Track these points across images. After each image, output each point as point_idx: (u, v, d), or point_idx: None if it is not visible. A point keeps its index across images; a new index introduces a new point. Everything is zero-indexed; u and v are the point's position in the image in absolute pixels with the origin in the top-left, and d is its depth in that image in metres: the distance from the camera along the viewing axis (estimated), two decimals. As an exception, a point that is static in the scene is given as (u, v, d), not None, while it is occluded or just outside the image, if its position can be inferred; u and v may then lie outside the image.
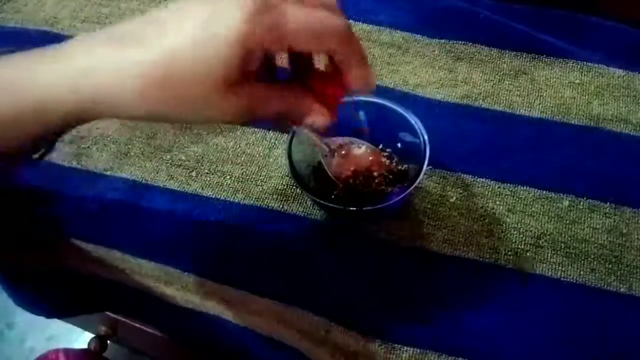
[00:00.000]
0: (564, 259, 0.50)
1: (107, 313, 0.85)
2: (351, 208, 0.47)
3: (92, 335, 0.95)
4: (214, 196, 0.55)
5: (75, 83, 0.34)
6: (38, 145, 0.41)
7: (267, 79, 0.38)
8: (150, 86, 0.33)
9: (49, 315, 0.73)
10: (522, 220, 0.52)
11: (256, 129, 0.59)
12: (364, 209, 0.47)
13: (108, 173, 0.57)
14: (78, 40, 0.36)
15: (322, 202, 0.49)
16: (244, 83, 0.35)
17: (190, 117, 0.36)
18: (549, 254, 0.50)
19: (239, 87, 0.34)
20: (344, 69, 0.37)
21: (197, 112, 0.35)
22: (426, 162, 0.48)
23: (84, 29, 0.69)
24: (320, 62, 0.39)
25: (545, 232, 0.52)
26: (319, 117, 0.38)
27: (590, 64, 0.62)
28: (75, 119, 0.36)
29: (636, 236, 0.51)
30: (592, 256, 0.50)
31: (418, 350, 0.47)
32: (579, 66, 0.62)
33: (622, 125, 0.58)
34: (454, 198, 0.54)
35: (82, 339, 1.33)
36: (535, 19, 0.66)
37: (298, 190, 0.54)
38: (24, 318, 1.35)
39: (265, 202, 0.54)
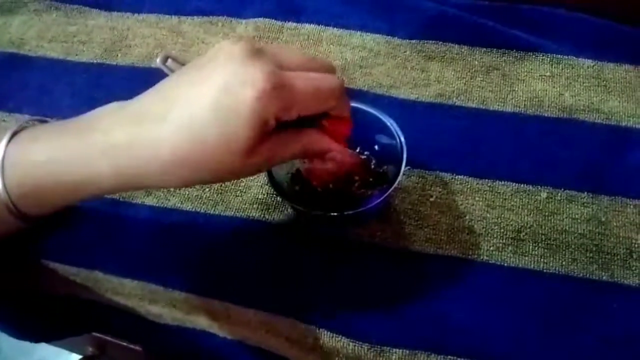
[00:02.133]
0: (546, 250, 0.51)
1: (94, 334, 0.83)
2: (332, 213, 0.47)
3: (80, 357, 0.93)
4: (193, 210, 0.55)
5: (110, 159, 0.37)
6: None
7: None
8: (174, 163, 0.36)
9: (35, 340, 0.72)
10: (502, 215, 0.53)
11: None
12: (345, 213, 0.47)
13: (85, 193, 0.56)
14: (110, 111, 0.39)
15: (302, 208, 0.49)
16: (264, 140, 0.37)
17: (218, 180, 0.44)
18: (531, 247, 0.51)
19: (258, 147, 0.37)
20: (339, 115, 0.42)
21: (223, 177, 0.40)
22: (404, 163, 0.49)
23: (51, 48, 0.68)
24: None
25: (525, 225, 0.52)
26: (337, 151, 0.44)
27: (559, 56, 0.63)
28: (107, 193, 0.40)
29: (615, 224, 0.52)
30: (573, 246, 0.51)
31: (407, 351, 0.47)
32: (549, 59, 0.63)
33: (594, 115, 0.58)
34: (434, 197, 0.54)
35: (70, 360, 1.31)
36: (504, 15, 0.67)
37: (278, 198, 0.54)
38: (9, 342, 1.33)
39: (246, 213, 0.54)
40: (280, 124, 0.38)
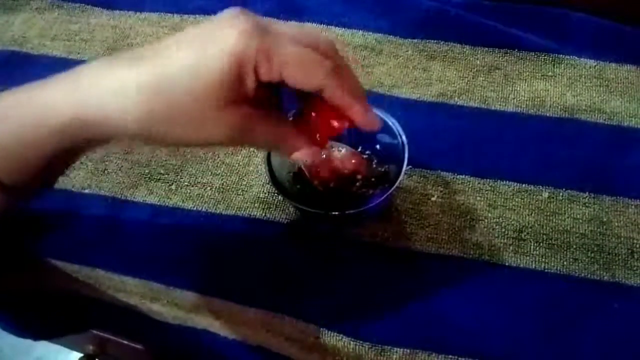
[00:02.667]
0: (547, 250, 0.51)
1: (95, 332, 0.83)
2: (333, 212, 0.47)
3: (80, 355, 0.93)
4: (195, 208, 0.55)
5: (74, 97, 0.35)
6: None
7: (271, 108, 0.39)
8: (145, 103, 0.34)
9: (35, 338, 0.72)
10: (503, 215, 0.53)
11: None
12: (347, 212, 0.47)
13: (86, 191, 0.56)
14: (88, 63, 0.37)
15: (304, 208, 0.49)
16: (240, 104, 0.35)
17: (186, 135, 0.36)
18: (532, 247, 0.51)
19: (234, 107, 0.35)
20: (338, 105, 0.38)
21: (192, 129, 0.36)
22: (405, 163, 0.49)
23: (53, 47, 0.68)
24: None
25: (526, 225, 0.52)
26: (303, 155, 0.40)
27: (561, 56, 0.63)
28: (71, 138, 0.37)
29: (616, 224, 0.52)
30: (574, 246, 0.51)
31: (408, 351, 0.47)
32: (550, 59, 0.63)
33: (596, 115, 0.58)
34: (435, 196, 0.54)
35: (70, 358, 1.31)
36: (506, 14, 0.67)
37: (279, 197, 0.54)
38: (9, 341, 1.33)
39: (247, 212, 0.54)
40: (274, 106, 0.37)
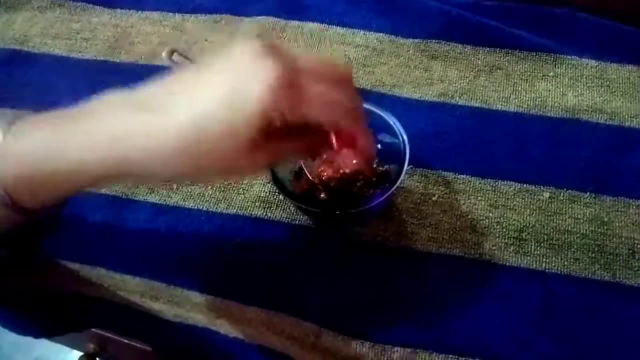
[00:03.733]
0: (548, 250, 0.51)
1: (96, 330, 0.84)
2: (334, 211, 0.47)
3: (81, 354, 0.93)
4: (196, 207, 0.55)
5: (107, 149, 0.36)
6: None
7: None
8: (177, 153, 0.35)
9: (36, 335, 0.72)
10: (504, 215, 0.53)
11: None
12: (347, 212, 0.47)
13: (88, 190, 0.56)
14: (109, 101, 0.37)
15: (305, 207, 0.49)
16: (268, 141, 0.36)
17: (217, 178, 0.42)
18: (533, 247, 0.51)
19: (263, 145, 0.36)
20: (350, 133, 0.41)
21: (224, 174, 0.39)
22: (407, 162, 0.49)
23: (55, 45, 0.68)
24: None
25: (527, 225, 0.52)
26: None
27: (563, 56, 0.63)
28: (104, 182, 0.39)
29: (617, 224, 0.52)
30: (575, 246, 0.51)
31: (408, 350, 0.47)
32: (552, 59, 0.63)
33: (597, 115, 0.58)
34: (436, 196, 0.54)
35: (70, 358, 1.31)
36: (507, 14, 0.67)
37: (280, 196, 0.54)
38: (9, 339, 1.33)
39: (248, 211, 0.54)
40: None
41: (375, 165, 0.53)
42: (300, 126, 0.38)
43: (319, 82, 0.37)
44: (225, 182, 0.56)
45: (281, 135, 0.38)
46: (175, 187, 0.56)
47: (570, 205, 0.53)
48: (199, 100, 0.35)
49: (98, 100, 0.38)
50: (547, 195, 0.54)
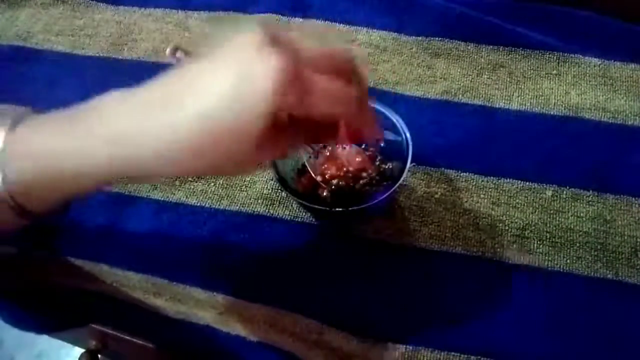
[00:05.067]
0: (550, 248, 0.51)
1: (98, 327, 0.84)
2: (337, 209, 0.47)
3: (83, 350, 0.93)
4: (198, 204, 0.55)
5: (112, 150, 0.35)
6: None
7: None
8: (186, 151, 0.34)
9: (38, 331, 0.72)
10: (507, 212, 0.53)
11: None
12: (350, 209, 0.47)
13: (90, 186, 0.56)
14: (112, 100, 0.37)
15: (307, 204, 0.49)
16: (274, 136, 0.36)
17: (225, 173, 0.41)
18: (535, 245, 0.51)
19: (270, 141, 0.35)
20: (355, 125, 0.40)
21: (231, 170, 0.39)
22: (409, 160, 0.49)
23: (58, 42, 0.68)
24: None
25: (530, 223, 0.52)
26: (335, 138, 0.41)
27: (566, 54, 0.63)
28: (109, 182, 0.39)
29: (620, 222, 0.52)
30: (578, 244, 0.51)
31: (411, 347, 0.47)
32: (555, 57, 0.63)
33: (600, 114, 0.58)
34: (439, 194, 0.54)
35: (72, 354, 1.32)
36: (510, 12, 0.67)
37: (283, 193, 0.54)
38: (12, 334, 1.34)
39: (250, 208, 0.54)
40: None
41: (378, 163, 0.53)
42: (306, 118, 0.37)
43: (324, 74, 0.36)
44: (229, 178, 0.56)
45: (287, 128, 0.37)
46: (177, 183, 0.56)
47: (572, 204, 0.53)
48: (205, 95, 0.34)
49: (101, 99, 0.37)
50: (549, 193, 0.54)
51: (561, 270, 0.50)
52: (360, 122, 0.40)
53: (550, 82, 0.61)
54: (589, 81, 0.61)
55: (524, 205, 0.53)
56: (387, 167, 0.53)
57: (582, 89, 0.60)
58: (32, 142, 0.38)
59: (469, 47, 0.64)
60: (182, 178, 0.53)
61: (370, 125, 0.41)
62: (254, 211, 0.54)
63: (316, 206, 0.49)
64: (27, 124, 0.39)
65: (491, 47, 0.64)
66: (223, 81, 0.34)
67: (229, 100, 0.34)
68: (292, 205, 0.54)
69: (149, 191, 0.56)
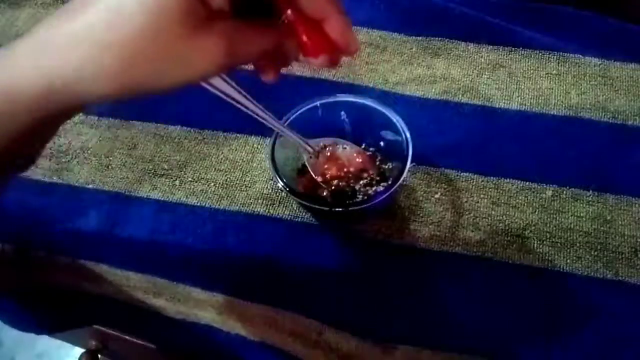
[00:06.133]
0: (550, 248, 0.51)
1: (97, 327, 0.84)
2: (337, 209, 0.47)
3: (83, 350, 0.93)
4: (198, 204, 0.55)
5: (37, 58, 0.31)
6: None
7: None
8: (106, 51, 0.30)
9: (38, 331, 0.72)
10: (507, 212, 0.53)
11: (238, 134, 0.59)
12: (350, 209, 0.47)
13: (90, 187, 0.56)
14: (43, 20, 0.32)
15: (307, 204, 0.49)
16: (215, 20, 0.30)
17: (163, 78, 0.31)
18: (535, 245, 0.51)
19: (208, 26, 0.30)
20: (319, 19, 0.33)
21: (160, 67, 0.31)
22: (409, 160, 0.49)
23: (58, 42, 0.68)
24: None
25: (530, 222, 0.52)
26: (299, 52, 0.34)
27: (566, 54, 0.63)
28: (45, 108, 0.33)
29: (620, 222, 0.52)
30: (578, 244, 0.51)
31: (411, 348, 0.47)
32: (555, 57, 0.63)
33: (600, 114, 0.58)
34: (439, 194, 0.54)
35: (72, 354, 1.31)
36: (510, 12, 0.67)
37: (283, 193, 0.54)
38: (12, 335, 1.34)
39: (250, 208, 0.54)
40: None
41: (378, 163, 0.53)
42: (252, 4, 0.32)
43: None
44: (229, 178, 0.56)
45: (234, 22, 0.32)
46: (177, 183, 0.56)
47: (572, 204, 0.53)
48: None
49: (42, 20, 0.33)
50: (549, 193, 0.54)
51: (561, 270, 0.49)
52: (323, 9, 0.33)
53: (550, 82, 0.61)
54: (589, 81, 0.61)
55: (523, 205, 0.53)
56: (387, 167, 0.53)
57: (582, 88, 0.60)
58: None
59: (468, 47, 0.64)
60: (179, 168, 0.48)
61: (340, 19, 0.34)
62: (254, 211, 0.54)
63: (316, 206, 0.49)
64: None
65: (491, 46, 0.64)
66: None
67: None
68: (292, 205, 0.54)
69: (149, 191, 0.56)
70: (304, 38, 0.34)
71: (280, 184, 0.49)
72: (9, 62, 0.32)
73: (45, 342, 1.17)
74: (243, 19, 0.32)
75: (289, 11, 0.33)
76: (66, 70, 0.31)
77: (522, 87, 0.61)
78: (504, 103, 0.60)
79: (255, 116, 0.44)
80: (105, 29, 0.30)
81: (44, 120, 0.33)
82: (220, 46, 0.31)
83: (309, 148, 0.50)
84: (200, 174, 0.56)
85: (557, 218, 0.52)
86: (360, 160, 0.52)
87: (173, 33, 0.29)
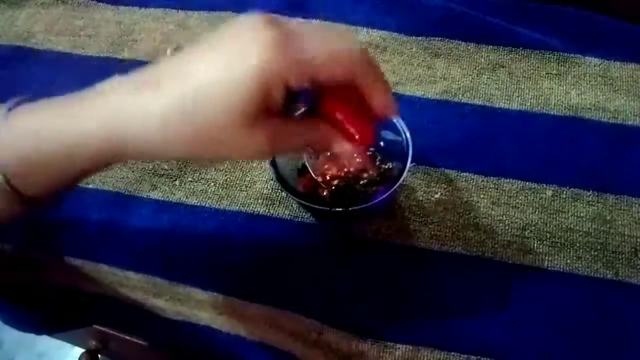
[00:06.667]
0: (550, 248, 0.51)
1: (97, 327, 0.84)
2: (337, 209, 0.47)
3: (83, 350, 0.94)
4: (198, 204, 0.55)
5: (104, 121, 0.35)
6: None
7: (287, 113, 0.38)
8: (169, 127, 0.34)
9: (38, 332, 0.72)
10: (507, 212, 0.53)
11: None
12: (350, 209, 0.47)
13: (90, 186, 0.56)
14: (110, 83, 0.37)
15: (308, 204, 0.49)
16: (267, 118, 0.34)
17: (212, 154, 0.37)
18: (535, 245, 0.51)
19: (261, 122, 0.34)
20: (366, 93, 0.37)
21: (218, 149, 0.36)
22: (409, 160, 0.49)
23: (58, 42, 0.68)
24: None
25: (530, 222, 0.52)
26: (343, 144, 0.38)
27: (566, 54, 0.63)
28: (103, 163, 0.38)
29: (620, 222, 0.52)
30: (578, 244, 0.51)
31: (410, 347, 0.47)
32: (555, 57, 0.63)
33: (600, 114, 0.58)
34: (439, 194, 0.54)
35: (72, 354, 1.32)
36: (511, 12, 0.67)
37: (283, 193, 0.54)
38: (12, 335, 1.34)
39: (251, 208, 0.54)
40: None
41: (378, 163, 0.53)
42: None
43: (316, 32, 0.35)
44: (227, 179, 0.56)
45: (283, 115, 0.36)
46: (178, 183, 0.56)
47: (573, 204, 0.53)
48: (194, 73, 0.34)
49: (102, 83, 0.38)
50: (549, 193, 0.54)
51: (561, 270, 0.49)
52: (373, 85, 0.37)
53: (550, 82, 0.61)
54: (589, 81, 0.61)
55: (524, 205, 0.53)
56: (387, 167, 0.53)
57: (582, 89, 0.60)
58: (26, 122, 0.38)
59: (469, 47, 0.64)
60: (179, 168, 0.51)
61: (384, 90, 0.38)
62: (253, 211, 0.54)
63: (316, 206, 0.48)
64: (24, 107, 0.39)
65: (491, 47, 0.64)
66: (214, 58, 0.34)
67: (216, 76, 0.33)
68: (292, 205, 0.54)
69: (149, 191, 0.56)
70: (352, 130, 0.38)
71: (280, 184, 0.49)
72: (78, 120, 0.36)
73: (45, 342, 1.17)
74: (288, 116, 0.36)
75: (337, 114, 0.37)
76: (138, 140, 0.35)
77: (522, 87, 0.61)
78: (504, 103, 0.60)
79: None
80: (172, 108, 0.34)
81: (95, 169, 0.39)
82: (269, 139, 0.35)
83: (309, 148, 0.50)
84: (200, 174, 0.56)
85: (557, 218, 0.52)
86: (360, 160, 0.52)
87: (239, 124, 0.34)
